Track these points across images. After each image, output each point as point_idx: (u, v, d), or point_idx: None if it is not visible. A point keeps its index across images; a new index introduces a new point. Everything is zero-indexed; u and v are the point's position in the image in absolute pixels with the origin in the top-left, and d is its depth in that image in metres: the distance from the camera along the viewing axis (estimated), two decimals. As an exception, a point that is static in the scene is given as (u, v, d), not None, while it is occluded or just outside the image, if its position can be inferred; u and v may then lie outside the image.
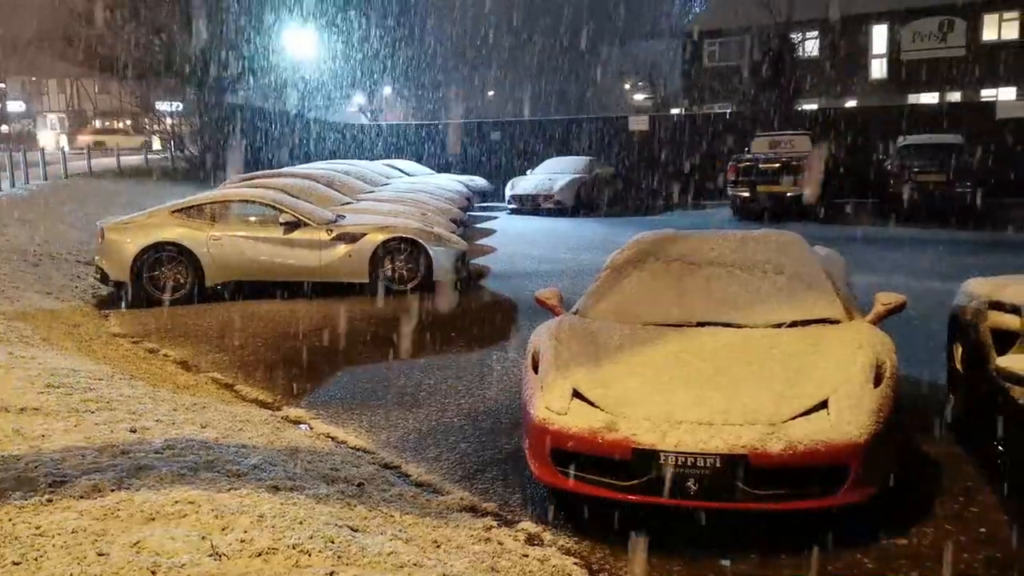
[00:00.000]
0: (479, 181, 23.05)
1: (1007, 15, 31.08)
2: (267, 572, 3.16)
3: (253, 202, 11.17)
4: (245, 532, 3.43)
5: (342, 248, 10.78)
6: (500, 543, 3.99)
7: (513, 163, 25.80)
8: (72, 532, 3.31)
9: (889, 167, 18.65)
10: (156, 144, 32.93)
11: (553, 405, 4.37)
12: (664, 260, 5.74)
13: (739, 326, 5.07)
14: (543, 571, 3.78)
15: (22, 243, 12.83)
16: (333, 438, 5.69)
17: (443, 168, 25.63)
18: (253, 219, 11.00)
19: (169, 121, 31.65)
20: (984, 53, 31.26)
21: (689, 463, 3.98)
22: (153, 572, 3.06)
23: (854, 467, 3.98)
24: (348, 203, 13.81)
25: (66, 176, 22.02)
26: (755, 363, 4.56)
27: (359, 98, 42.22)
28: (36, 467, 4.04)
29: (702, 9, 41.73)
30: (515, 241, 16.01)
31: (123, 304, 10.47)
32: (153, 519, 3.51)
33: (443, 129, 28.80)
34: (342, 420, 6.11)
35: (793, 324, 5.06)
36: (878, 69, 34.26)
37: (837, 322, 5.07)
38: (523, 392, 4.73)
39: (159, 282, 10.58)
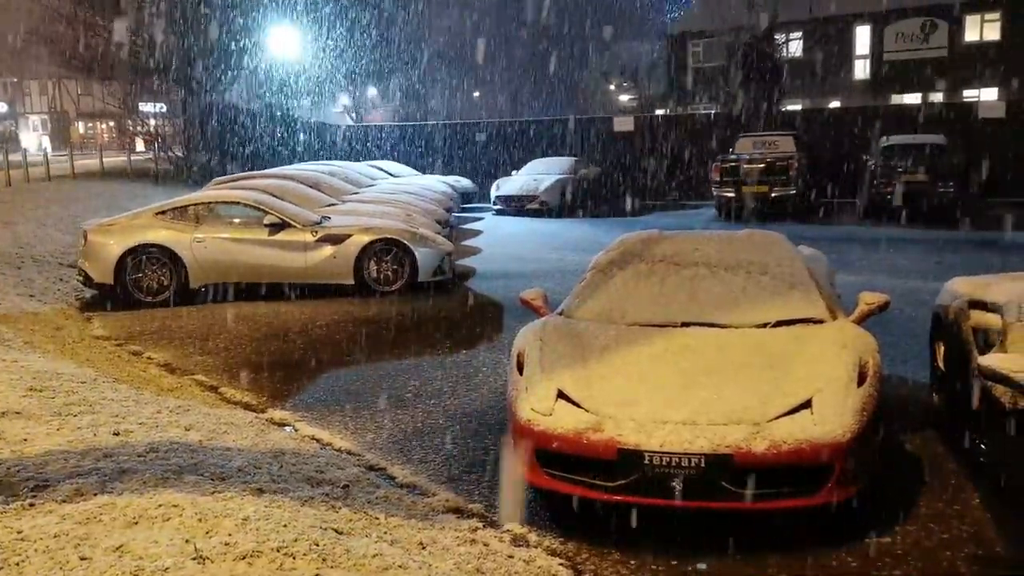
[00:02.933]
0: (464, 182, 23.05)
1: (988, 16, 31.37)
2: (251, 575, 3.15)
3: (237, 204, 11.13)
4: (229, 535, 3.42)
5: (327, 249, 10.76)
6: (486, 544, 3.99)
7: (498, 164, 25.79)
8: (54, 536, 3.29)
9: (872, 167, 18.76)
10: (139, 145, 32.78)
11: (538, 406, 4.38)
12: (649, 260, 5.75)
13: (723, 326, 5.09)
14: (529, 572, 3.77)
15: (4, 245, 12.74)
16: (318, 440, 5.67)
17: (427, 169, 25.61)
18: (237, 221, 10.96)
19: (152, 122, 31.50)
20: (966, 54, 31.51)
21: (674, 463, 3.99)
22: (136, 576, 3.04)
23: (838, 466, 4.00)
24: (333, 204, 13.77)
25: (49, 177, 21.89)
26: (739, 363, 4.58)
27: (344, 99, 42.13)
28: (18, 471, 4.01)
29: (686, 10, 41.85)
30: (500, 242, 16.01)
31: (107, 306, 10.41)
32: (136, 523, 3.49)
33: (428, 130, 28.77)
34: (327, 422, 6.09)
35: (777, 324, 5.08)
36: (861, 70, 34.49)
37: (821, 322, 5.10)
38: (508, 393, 4.73)
39: (143, 284, 10.53)
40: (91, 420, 5.12)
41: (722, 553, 4.02)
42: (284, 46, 29.80)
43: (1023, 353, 4.46)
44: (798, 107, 28.34)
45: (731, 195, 18.82)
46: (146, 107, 32.34)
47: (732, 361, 4.61)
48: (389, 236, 10.85)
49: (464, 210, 21.51)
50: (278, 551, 3.33)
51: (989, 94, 30.38)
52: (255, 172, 17.95)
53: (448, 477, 5.04)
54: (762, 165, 18.60)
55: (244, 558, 3.25)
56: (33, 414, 5.10)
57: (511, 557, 3.87)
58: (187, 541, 3.31)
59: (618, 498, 4.11)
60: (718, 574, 3.92)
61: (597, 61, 59.63)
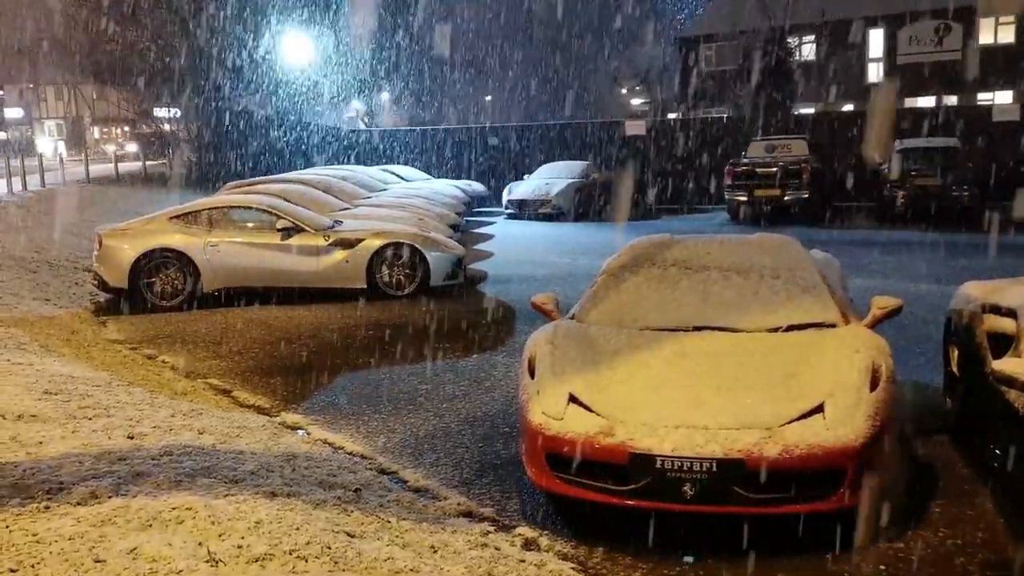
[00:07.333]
0: (476, 186, 23.07)
1: (1003, 19, 31.17)
2: (264, 578, 3.17)
3: (250, 208, 11.19)
4: (242, 538, 3.44)
5: (339, 254, 10.80)
6: (497, 548, 3.99)
7: (510, 168, 25.81)
8: (69, 539, 3.31)
9: (886, 170, 18.69)
10: (132, 147, 32.97)
11: (549, 410, 4.38)
12: (660, 264, 5.75)
13: (735, 330, 5.08)
14: (540, 576, 3.78)
15: (20, 250, 12.84)
16: (330, 444, 5.69)
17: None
18: (251, 225, 11.01)
19: (167, 127, 31.67)
20: (980, 56, 31.32)
21: (685, 467, 3.99)
22: (150, 578, 3.06)
23: (850, 471, 3.99)
24: (345, 209, 13.82)
25: (64, 182, 22.04)
26: (751, 367, 4.57)
27: (356, 103, 42.24)
28: (33, 474, 4.05)
29: (699, 13, 41.81)
30: (512, 246, 16.02)
31: (121, 310, 10.47)
32: (150, 525, 3.51)
33: (440, 134, 28.80)
34: (339, 425, 6.11)
35: (789, 328, 5.06)
36: (875, 73, 34.33)
37: (833, 326, 5.08)
38: (519, 397, 4.73)
39: (157, 288, 10.59)
40: (105, 423, 5.15)
41: (734, 558, 4.01)
42: (297, 52, 29.93)
43: (1037, 357, 4.43)
44: (811, 110, 28.23)
45: (744, 199, 18.78)
46: (161, 112, 32.53)
47: (744, 365, 4.60)
48: (401, 240, 10.88)
49: (476, 214, 21.54)
50: (290, 554, 3.35)
51: (1003, 97, 30.19)
52: (268, 177, 18.06)
53: (460, 481, 5.05)
54: (775, 169, 18.55)
55: (257, 561, 3.26)
56: (48, 417, 5.14)
57: (522, 561, 3.88)
58: (200, 544, 3.33)
59: (630, 502, 4.11)
60: (730, 579, 3.92)
61: (608, 65, 59.61)
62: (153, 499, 3.77)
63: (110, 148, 48.74)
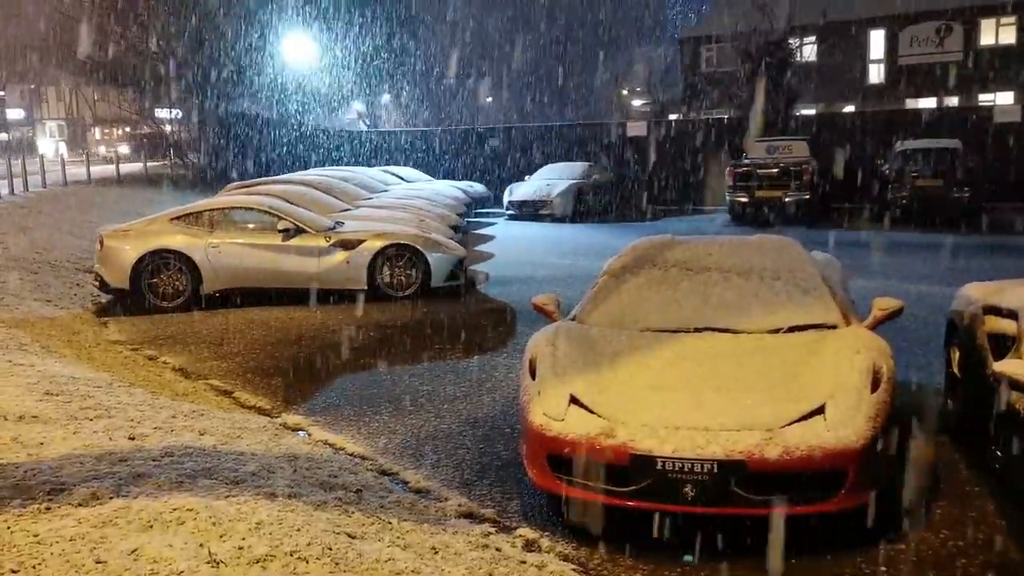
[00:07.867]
0: (477, 187, 23.06)
1: (1004, 20, 31.17)
2: (265, 579, 3.17)
3: (251, 209, 11.19)
4: (243, 539, 3.44)
5: (340, 255, 10.80)
6: (498, 549, 3.99)
7: (511, 169, 25.80)
8: (70, 540, 3.32)
9: (887, 172, 18.68)
10: (124, 149, 33.01)
11: (550, 411, 4.38)
12: (661, 266, 5.76)
13: (736, 332, 5.08)
14: (541, 577, 3.78)
15: (21, 251, 12.84)
16: (331, 445, 5.69)
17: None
18: (252, 226, 11.02)
19: (168, 128, 31.70)
20: (981, 58, 31.32)
21: (686, 468, 3.99)
22: (151, 579, 3.06)
23: (851, 472, 3.99)
24: (346, 210, 13.83)
25: (65, 183, 22.05)
26: (752, 368, 4.57)
27: (357, 105, 42.24)
28: (34, 475, 4.05)
29: (700, 14, 41.83)
30: (513, 247, 16.01)
31: (122, 311, 10.48)
32: (151, 526, 3.51)
33: (441, 136, 28.79)
34: (340, 427, 6.11)
35: (791, 329, 5.06)
36: (876, 74, 34.34)
37: (834, 327, 5.08)
38: (520, 398, 4.73)
39: (158, 289, 10.59)
40: (107, 424, 5.16)
41: (734, 559, 4.01)
42: (298, 53, 29.94)
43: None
44: (812, 111, 28.22)
45: (745, 200, 18.78)
46: (162, 113, 32.56)
47: (745, 367, 4.60)
48: (402, 241, 10.88)
49: (477, 215, 21.54)
50: (291, 555, 3.35)
51: (1005, 98, 30.19)
52: (269, 178, 18.07)
53: (460, 482, 5.05)
54: (776, 170, 18.55)
55: (258, 562, 3.27)
56: (50, 418, 5.14)
57: (523, 562, 3.88)
58: (201, 545, 3.33)
59: (631, 503, 4.11)
60: (731, 580, 3.92)
61: (611, 66, 59.59)
62: (154, 500, 3.77)
63: (102, 150, 48.99)
